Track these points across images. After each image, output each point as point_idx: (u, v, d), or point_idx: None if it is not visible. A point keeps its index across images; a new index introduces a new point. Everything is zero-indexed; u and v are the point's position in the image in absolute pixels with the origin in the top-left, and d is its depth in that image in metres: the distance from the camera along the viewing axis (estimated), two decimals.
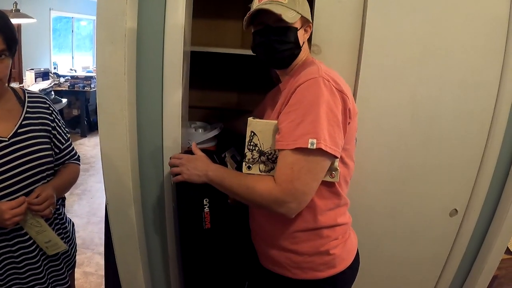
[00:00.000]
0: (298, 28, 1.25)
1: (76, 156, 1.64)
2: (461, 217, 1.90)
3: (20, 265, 1.39)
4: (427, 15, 1.57)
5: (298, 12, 1.22)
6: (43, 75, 6.29)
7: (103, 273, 2.08)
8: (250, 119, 1.22)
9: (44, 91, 5.67)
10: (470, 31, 1.61)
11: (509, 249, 3.71)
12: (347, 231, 1.33)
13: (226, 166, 1.55)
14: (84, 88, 6.55)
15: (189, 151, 1.44)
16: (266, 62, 1.32)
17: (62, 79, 6.86)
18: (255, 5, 1.25)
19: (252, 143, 1.22)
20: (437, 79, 1.66)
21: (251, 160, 1.23)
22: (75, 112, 6.83)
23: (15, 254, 1.37)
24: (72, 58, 8.35)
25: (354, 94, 1.61)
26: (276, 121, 1.18)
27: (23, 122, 1.39)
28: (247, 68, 2.30)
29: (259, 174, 1.23)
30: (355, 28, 1.57)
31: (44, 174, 1.43)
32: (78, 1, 7.81)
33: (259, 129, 1.21)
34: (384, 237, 1.87)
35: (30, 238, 1.39)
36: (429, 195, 1.85)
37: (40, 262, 1.44)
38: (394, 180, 1.76)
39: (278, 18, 1.18)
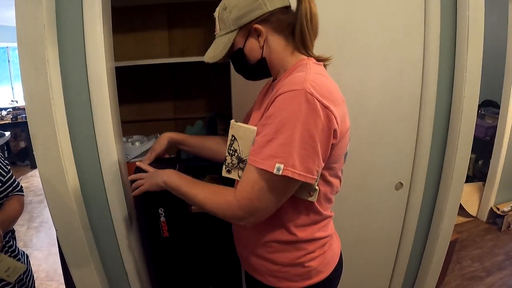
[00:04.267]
0: (243, 46, 1.15)
1: (19, 187, 1.63)
2: (407, 190, 1.99)
3: None
4: None
5: (232, 31, 1.14)
6: None
7: None
8: (232, 122, 1.14)
9: None
10: (388, 9, 1.68)
11: (468, 213, 3.92)
12: (327, 243, 1.25)
13: None
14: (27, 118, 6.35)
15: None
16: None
17: (4, 112, 6.63)
18: None
19: (232, 148, 1.16)
20: (360, 59, 1.73)
21: (230, 164, 1.17)
22: (22, 144, 6.60)
23: None
24: (12, 88, 8.05)
25: None
26: (255, 128, 1.09)
27: None
28: (180, 76, 2.32)
29: (219, 186, 1.15)
30: None
31: None
32: (11, 29, 7.53)
33: (240, 134, 1.13)
34: (336, 219, 1.88)
35: None
36: (372, 173, 1.92)
37: None
38: None
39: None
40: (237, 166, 1.16)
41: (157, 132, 2.02)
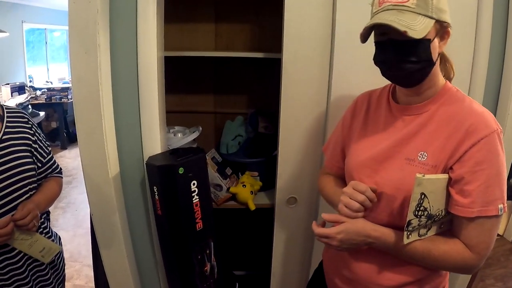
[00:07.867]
0: (432, 39, 0.99)
1: (58, 169, 1.63)
2: None
3: (8, 282, 1.37)
4: None
5: (431, 17, 0.96)
6: (19, 89, 6.19)
7: (93, 285, 2.07)
8: (419, 176, 0.96)
9: (21, 105, 5.60)
10: None
11: None
12: None
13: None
14: (61, 100, 6.47)
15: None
16: (390, 80, 1.12)
17: (38, 92, 6.76)
18: (374, 9, 1.02)
19: (422, 208, 1.00)
20: None
21: (416, 227, 1.03)
22: (54, 125, 6.73)
23: (3, 271, 1.36)
24: (48, 69, 8.23)
25: (329, 90, 1.61)
26: (446, 176, 1.02)
27: (3, 137, 1.37)
28: (222, 70, 2.32)
29: (440, 242, 1.06)
30: (325, 23, 1.55)
31: (27, 189, 1.42)
32: (50, 12, 7.70)
33: (430, 189, 1.00)
34: None
35: (17, 254, 1.38)
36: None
37: (29, 277, 1.44)
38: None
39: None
40: (424, 225, 1.05)
41: (197, 124, 2.02)
